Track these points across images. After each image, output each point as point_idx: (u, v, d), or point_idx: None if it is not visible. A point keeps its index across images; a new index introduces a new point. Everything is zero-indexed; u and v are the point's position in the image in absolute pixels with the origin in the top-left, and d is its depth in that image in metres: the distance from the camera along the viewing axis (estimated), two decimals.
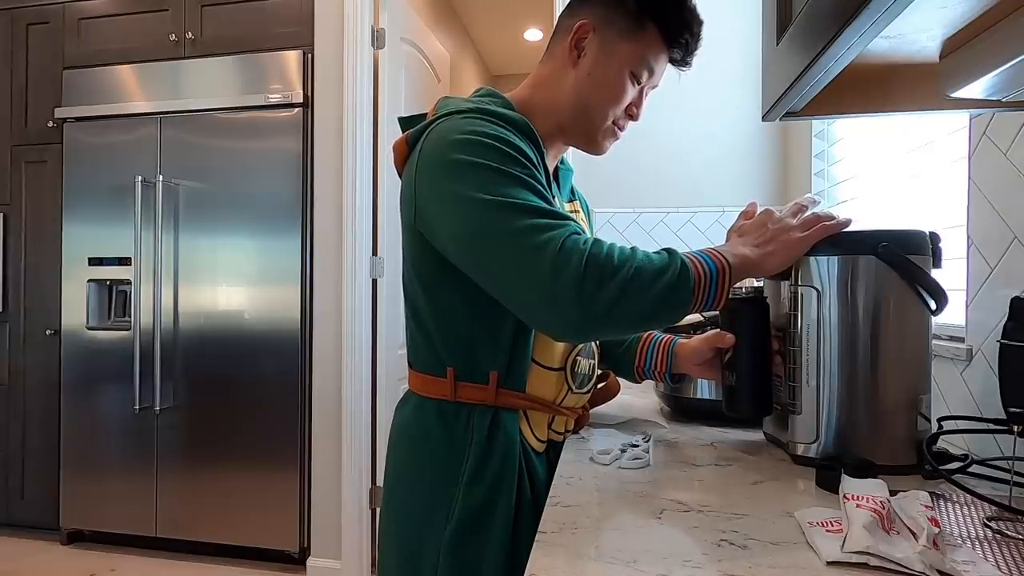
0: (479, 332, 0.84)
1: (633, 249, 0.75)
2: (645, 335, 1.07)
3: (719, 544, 0.59)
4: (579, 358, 0.92)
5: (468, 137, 0.78)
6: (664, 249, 0.76)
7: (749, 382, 0.91)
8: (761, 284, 1.00)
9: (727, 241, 0.85)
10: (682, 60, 0.91)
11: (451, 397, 0.86)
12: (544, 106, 0.92)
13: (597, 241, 0.73)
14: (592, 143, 0.94)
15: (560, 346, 0.89)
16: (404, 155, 0.87)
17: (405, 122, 0.92)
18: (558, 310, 0.71)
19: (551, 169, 0.97)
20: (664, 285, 0.72)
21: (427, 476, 0.86)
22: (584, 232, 0.75)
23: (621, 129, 0.95)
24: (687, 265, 0.74)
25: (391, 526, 0.90)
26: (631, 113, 0.94)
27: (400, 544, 0.87)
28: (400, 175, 0.88)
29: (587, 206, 1.11)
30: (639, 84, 0.91)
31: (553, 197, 0.85)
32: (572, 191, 1.06)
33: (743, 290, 0.95)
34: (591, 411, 1.05)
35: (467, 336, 0.85)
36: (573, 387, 0.92)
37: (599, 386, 1.05)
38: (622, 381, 1.12)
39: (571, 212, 0.99)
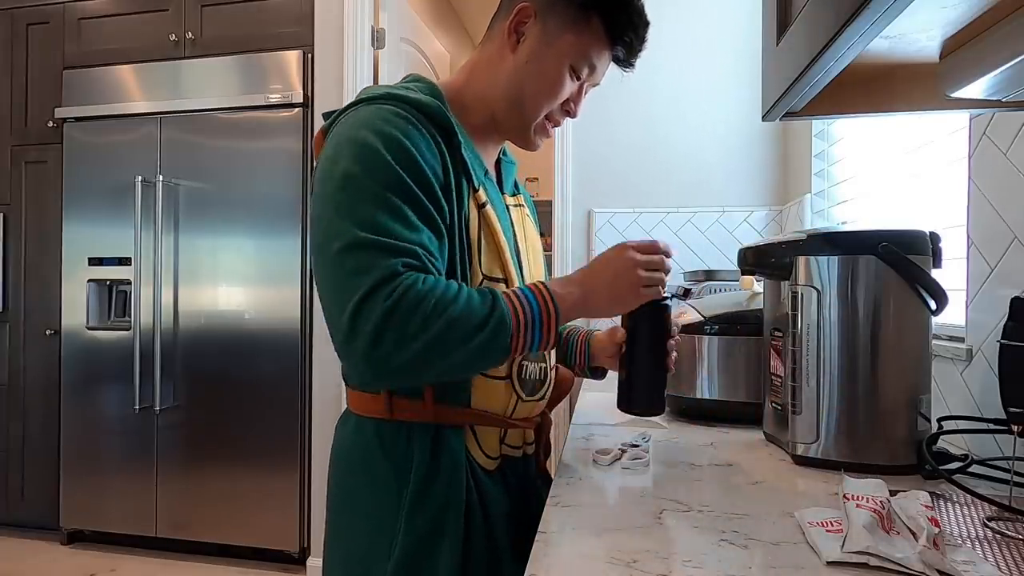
0: None
1: (456, 295, 0.70)
2: (567, 327, 1.04)
3: (719, 544, 0.59)
4: (525, 363, 0.84)
5: (359, 135, 0.74)
6: (490, 292, 0.72)
7: (641, 379, 0.87)
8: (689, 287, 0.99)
9: (578, 272, 0.80)
10: (625, 60, 0.86)
11: (388, 415, 0.79)
12: (478, 95, 0.87)
13: (413, 286, 0.67)
14: (524, 137, 0.89)
15: None
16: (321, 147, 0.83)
17: (328, 116, 0.86)
18: (350, 361, 0.70)
19: (491, 161, 0.92)
20: (479, 342, 0.69)
21: (367, 504, 0.80)
22: (423, 263, 0.70)
23: (556, 125, 0.90)
24: (506, 319, 0.71)
25: (335, 559, 0.83)
26: (568, 109, 0.88)
27: None
28: None
29: (530, 201, 1.04)
30: (579, 79, 0.85)
31: (477, 189, 0.81)
32: (516, 185, 1.00)
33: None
34: (550, 414, 0.97)
35: None
36: (523, 395, 0.84)
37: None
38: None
39: (515, 206, 0.94)
